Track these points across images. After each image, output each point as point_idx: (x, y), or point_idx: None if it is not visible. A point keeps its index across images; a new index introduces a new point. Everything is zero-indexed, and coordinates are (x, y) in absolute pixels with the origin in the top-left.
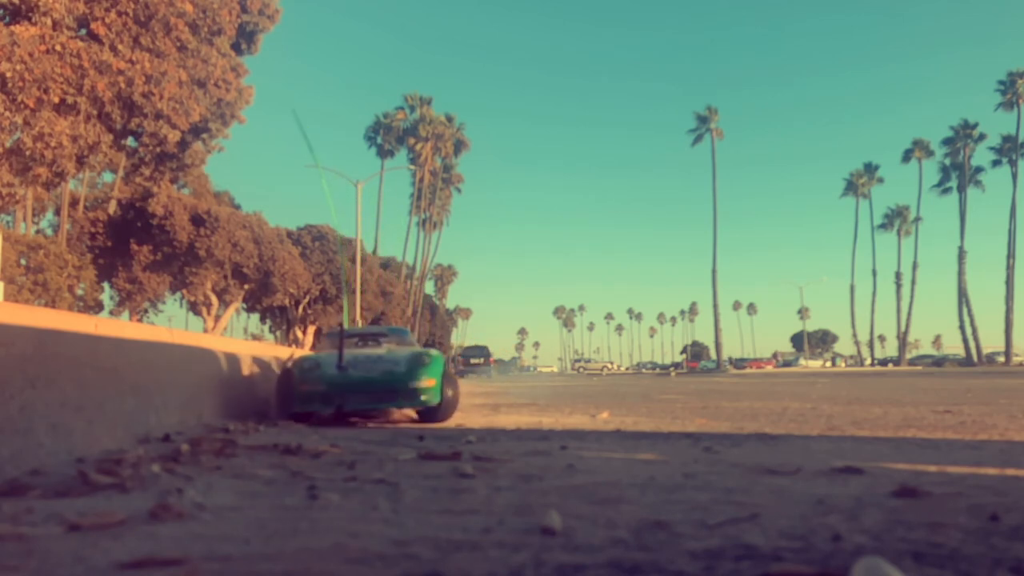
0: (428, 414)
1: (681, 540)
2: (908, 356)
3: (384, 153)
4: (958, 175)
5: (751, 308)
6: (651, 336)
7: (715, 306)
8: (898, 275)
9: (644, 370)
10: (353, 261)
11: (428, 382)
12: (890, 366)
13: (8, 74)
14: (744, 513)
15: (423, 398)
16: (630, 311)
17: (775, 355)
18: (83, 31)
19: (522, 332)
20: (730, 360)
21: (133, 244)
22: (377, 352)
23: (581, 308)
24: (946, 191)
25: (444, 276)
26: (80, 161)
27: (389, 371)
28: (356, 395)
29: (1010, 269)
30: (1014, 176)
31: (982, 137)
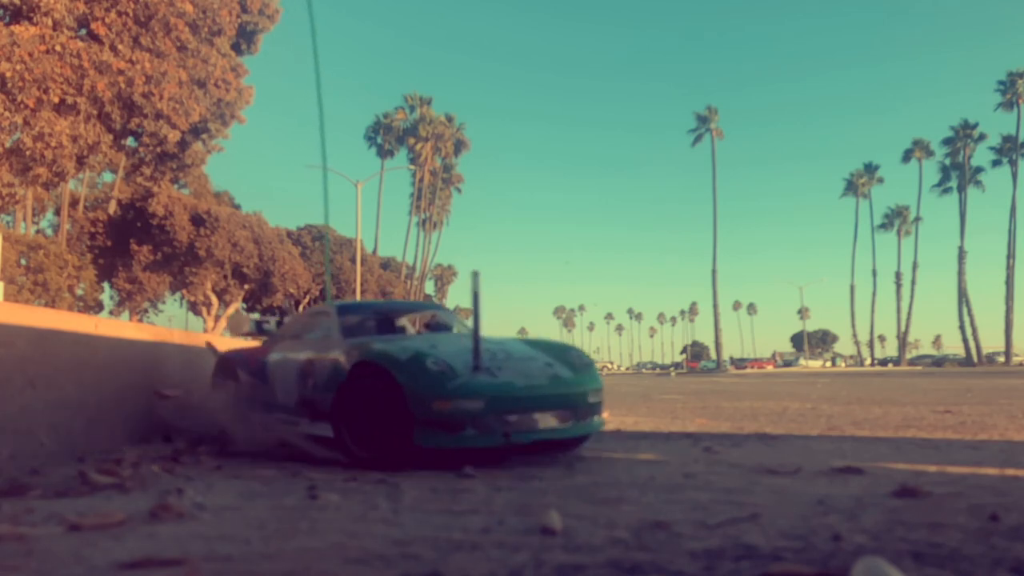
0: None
1: (681, 540)
2: (908, 356)
3: (384, 153)
4: (958, 175)
5: (751, 308)
6: (651, 336)
7: (715, 306)
8: (898, 275)
9: (644, 370)
10: (353, 261)
11: (599, 394)
12: (890, 366)
13: (8, 74)
14: (744, 513)
15: (596, 419)
16: (630, 311)
17: (775, 355)
18: (83, 31)
19: (522, 332)
20: (730, 360)
21: (133, 244)
22: (495, 344)
23: (581, 308)
24: (946, 191)
25: (444, 276)
26: (80, 161)
27: (555, 376)
28: (529, 417)
29: (1010, 269)
30: (1014, 176)
31: (982, 137)
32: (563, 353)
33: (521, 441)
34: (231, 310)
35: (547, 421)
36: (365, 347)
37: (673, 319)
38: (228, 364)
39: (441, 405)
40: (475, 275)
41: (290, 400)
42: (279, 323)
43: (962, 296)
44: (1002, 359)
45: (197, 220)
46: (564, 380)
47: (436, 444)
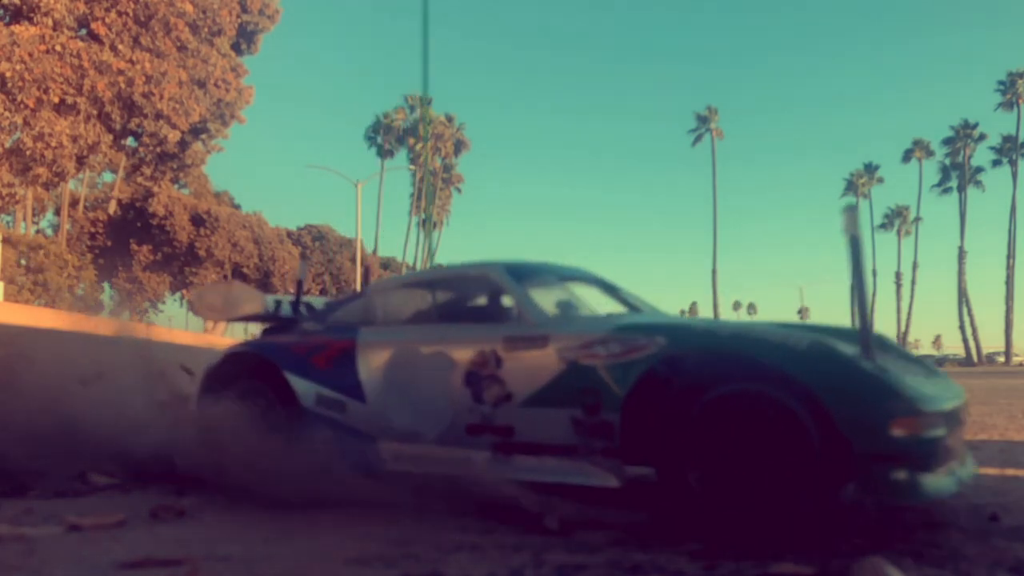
0: None
1: (682, 540)
2: None
3: (384, 153)
4: (958, 175)
5: (751, 308)
6: None
7: (715, 306)
8: (898, 275)
9: None
10: (353, 261)
11: None
12: None
13: (8, 74)
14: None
15: None
16: None
17: None
18: (83, 31)
19: None
20: None
21: (133, 244)
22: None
23: None
24: (946, 191)
25: None
26: (80, 161)
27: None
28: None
29: (1010, 269)
30: (1014, 176)
31: (982, 137)
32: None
33: (964, 483)
34: None
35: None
36: (679, 331)
37: None
38: (249, 366)
39: (906, 427)
40: (850, 209)
41: (437, 422)
42: (294, 303)
43: (962, 296)
44: (1002, 359)
45: (197, 220)
46: (956, 388)
47: (900, 495)
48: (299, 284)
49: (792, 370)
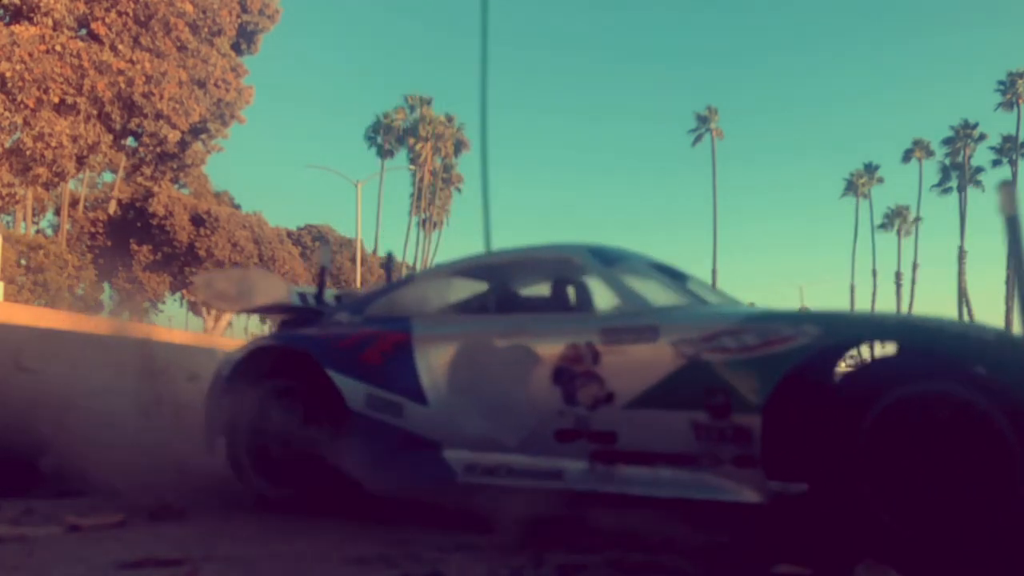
0: None
1: (683, 540)
2: None
3: (384, 153)
4: (958, 175)
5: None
6: None
7: None
8: (898, 275)
9: None
10: (353, 261)
11: None
12: None
13: (8, 74)
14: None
15: None
16: None
17: None
18: (83, 31)
19: None
20: None
21: (133, 244)
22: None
23: None
24: (946, 191)
25: None
26: (80, 161)
27: None
28: None
29: (1010, 269)
30: (1014, 176)
31: (982, 137)
32: None
33: None
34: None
35: None
36: (835, 320)
37: None
38: (281, 363)
39: None
40: (1006, 186)
41: (518, 427)
42: (318, 293)
43: (962, 296)
44: None
45: (197, 220)
46: None
47: None
48: (322, 271)
49: (985, 367)
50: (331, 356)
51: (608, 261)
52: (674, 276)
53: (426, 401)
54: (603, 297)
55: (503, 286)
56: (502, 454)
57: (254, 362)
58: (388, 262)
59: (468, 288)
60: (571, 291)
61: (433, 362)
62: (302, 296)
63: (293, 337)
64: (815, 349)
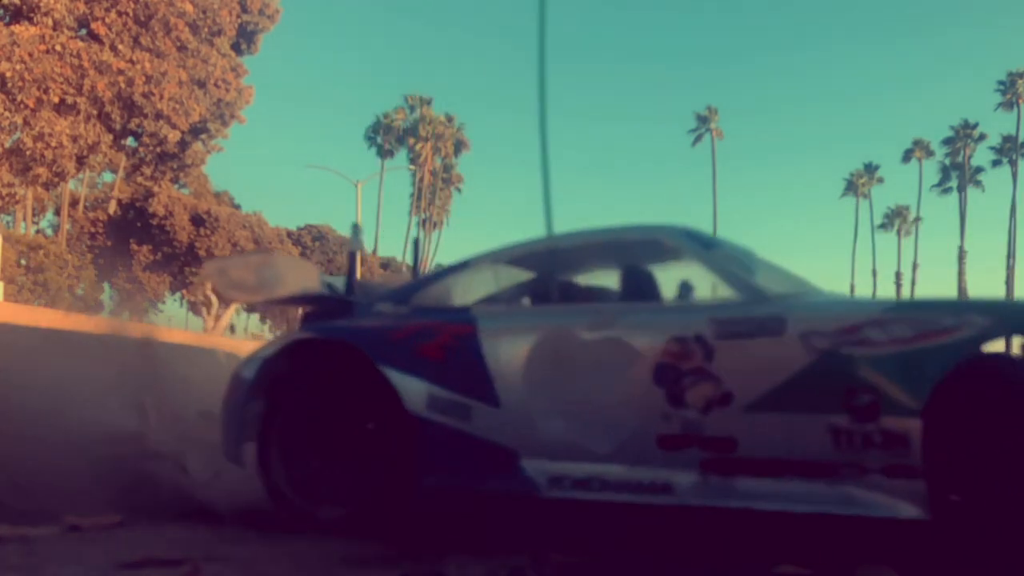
0: None
1: (683, 540)
2: None
3: (384, 153)
4: (958, 175)
5: None
6: None
7: None
8: (898, 275)
9: None
10: None
11: None
12: None
13: (8, 74)
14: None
15: None
16: None
17: None
18: (83, 31)
19: None
20: None
21: (133, 244)
22: None
23: None
24: (946, 191)
25: None
26: (80, 161)
27: None
28: None
29: (1010, 269)
30: (1014, 176)
31: (982, 137)
32: None
33: None
34: (231, 310)
35: None
36: (1010, 309)
37: None
38: (325, 359)
39: None
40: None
41: (611, 433)
42: (348, 281)
43: (962, 296)
44: None
45: (197, 220)
46: None
47: None
48: (352, 257)
49: None
50: (384, 350)
51: (707, 244)
52: (770, 265)
53: (498, 403)
54: (703, 284)
55: (577, 272)
56: (591, 464)
57: (290, 359)
58: (416, 249)
59: (533, 275)
60: (660, 278)
61: (505, 358)
62: (328, 286)
63: (337, 328)
64: (984, 342)
